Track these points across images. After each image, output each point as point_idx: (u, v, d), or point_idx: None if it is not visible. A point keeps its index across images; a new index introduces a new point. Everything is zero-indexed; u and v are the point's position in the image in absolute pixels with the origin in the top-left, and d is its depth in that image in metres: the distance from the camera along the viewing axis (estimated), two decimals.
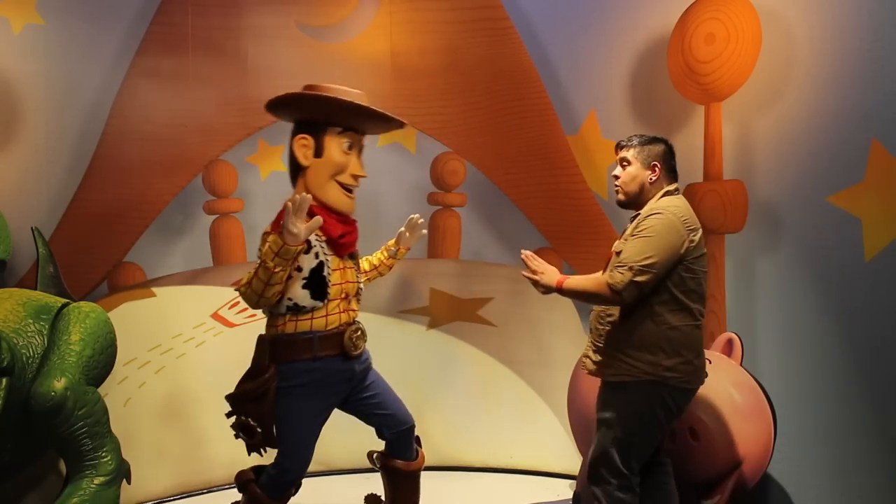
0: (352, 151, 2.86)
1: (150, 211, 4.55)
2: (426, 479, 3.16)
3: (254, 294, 2.66)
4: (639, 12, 4.31)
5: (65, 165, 4.39)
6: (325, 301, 2.78)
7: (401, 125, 2.97)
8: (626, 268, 2.62)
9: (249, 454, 2.84)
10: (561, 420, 4.11)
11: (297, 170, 2.86)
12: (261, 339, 2.85)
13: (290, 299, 2.75)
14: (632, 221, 2.84)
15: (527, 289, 4.74)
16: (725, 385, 3.18)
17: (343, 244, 2.84)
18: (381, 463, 3.06)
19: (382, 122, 2.93)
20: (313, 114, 2.82)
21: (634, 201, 2.85)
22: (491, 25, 4.74)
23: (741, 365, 3.36)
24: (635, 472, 2.78)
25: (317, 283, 2.76)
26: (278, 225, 2.68)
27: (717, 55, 3.71)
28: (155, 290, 4.42)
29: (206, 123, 4.57)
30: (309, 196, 2.61)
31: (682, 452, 3.08)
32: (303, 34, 4.78)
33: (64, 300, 3.62)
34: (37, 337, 3.33)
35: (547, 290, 2.79)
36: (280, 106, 2.82)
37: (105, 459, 3.31)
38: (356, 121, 2.85)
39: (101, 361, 3.46)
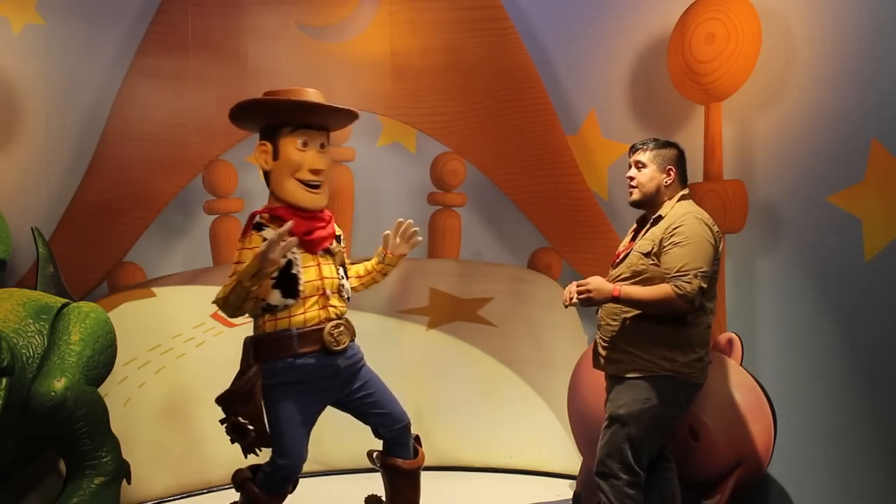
0: (308, 148, 2.87)
1: (150, 211, 4.55)
2: (426, 478, 3.16)
3: (231, 308, 2.70)
4: (639, 12, 4.31)
5: (65, 165, 4.39)
6: (298, 299, 2.79)
7: (352, 115, 2.95)
8: (691, 275, 2.66)
9: (246, 456, 2.85)
10: (561, 420, 4.11)
11: (266, 176, 2.93)
12: (246, 340, 2.89)
13: (263, 300, 2.77)
14: (649, 223, 2.87)
15: (527, 289, 4.80)
16: (725, 385, 3.18)
17: (310, 241, 2.85)
18: (381, 462, 3.06)
19: (334, 113, 2.92)
20: (264, 120, 2.89)
21: (650, 202, 2.90)
22: (491, 25, 4.74)
23: (741, 365, 3.36)
24: (644, 469, 2.81)
25: (287, 282, 2.78)
26: (248, 232, 2.76)
27: (717, 55, 3.71)
28: (155, 290, 4.43)
29: (206, 123, 4.57)
30: (289, 224, 2.66)
31: (682, 452, 3.08)
32: (303, 34, 4.78)
33: (64, 300, 3.62)
34: (37, 337, 3.33)
35: (601, 302, 2.79)
36: (236, 120, 2.91)
37: (105, 459, 3.32)
38: (304, 118, 2.86)
39: (101, 361, 3.47)
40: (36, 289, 3.83)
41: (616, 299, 2.74)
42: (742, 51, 3.62)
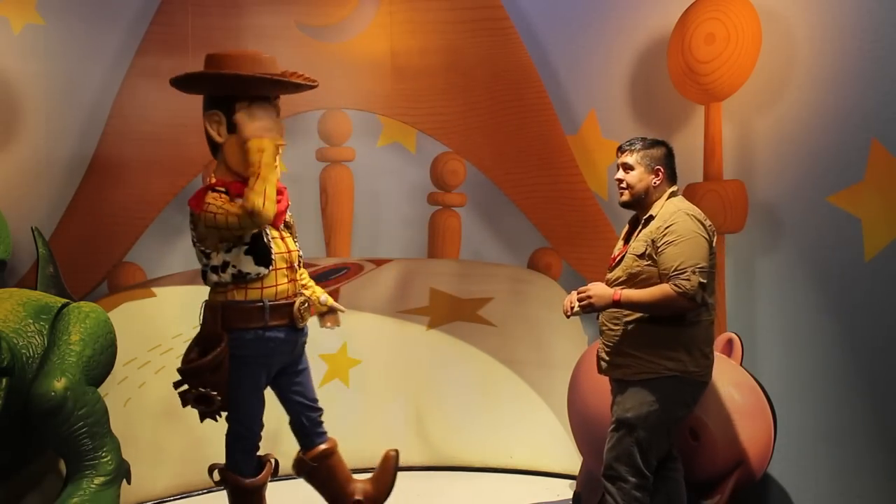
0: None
1: (150, 211, 4.54)
2: (426, 478, 3.16)
3: (271, 202, 2.65)
4: (639, 12, 4.31)
5: (65, 165, 4.38)
6: (270, 268, 2.78)
7: (306, 86, 2.91)
8: (689, 272, 2.65)
9: (202, 420, 2.84)
10: (561, 420, 4.11)
11: (215, 145, 2.87)
12: (209, 305, 2.83)
13: (234, 266, 2.75)
14: (640, 223, 2.87)
15: (527, 289, 4.80)
16: (725, 385, 3.17)
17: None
18: (307, 458, 3.01)
19: (291, 86, 2.89)
20: (218, 90, 2.83)
21: (640, 203, 2.89)
22: (491, 25, 4.74)
23: (741, 365, 3.36)
24: (652, 471, 2.81)
25: (259, 249, 2.76)
26: (208, 193, 2.72)
27: (717, 55, 3.70)
28: (155, 290, 4.42)
29: None
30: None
31: (682, 453, 3.07)
32: (303, 34, 4.77)
33: (64, 300, 3.62)
34: (37, 337, 3.33)
35: (603, 308, 2.80)
36: (183, 85, 2.85)
37: (105, 459, 3.31)
38: (262, 90, 2.83)
39: (101, 361, 3.47)
40: (36, 289, 3.82)
41: (617, 303, 2.73)
42: (742, 51, 3.62)
